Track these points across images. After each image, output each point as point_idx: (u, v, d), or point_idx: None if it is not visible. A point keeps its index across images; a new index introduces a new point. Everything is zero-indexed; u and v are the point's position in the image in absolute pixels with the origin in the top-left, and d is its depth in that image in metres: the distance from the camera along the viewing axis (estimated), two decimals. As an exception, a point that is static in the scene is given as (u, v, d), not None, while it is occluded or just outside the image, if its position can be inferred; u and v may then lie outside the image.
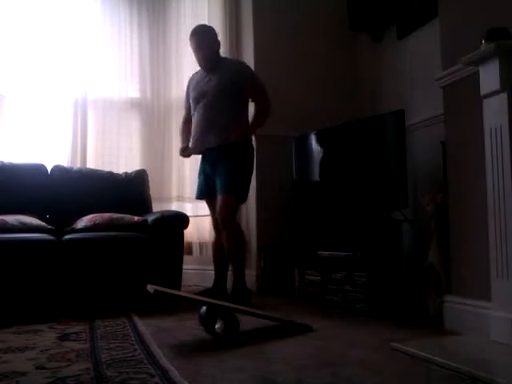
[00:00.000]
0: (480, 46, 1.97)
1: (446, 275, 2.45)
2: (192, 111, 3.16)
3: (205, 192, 3.11)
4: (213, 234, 3.23)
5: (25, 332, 2.33)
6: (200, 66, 3.14)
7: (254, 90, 3.09)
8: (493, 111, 1.96)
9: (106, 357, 1.85)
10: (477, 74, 2.04)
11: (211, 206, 3.11)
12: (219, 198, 2.93)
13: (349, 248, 2.96)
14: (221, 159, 2.99)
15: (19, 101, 3.88)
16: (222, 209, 2.91)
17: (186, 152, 3.20)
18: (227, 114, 3.01)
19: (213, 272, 3.19)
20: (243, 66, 3.19)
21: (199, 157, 3.21)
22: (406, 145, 2.88)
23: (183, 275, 3.25)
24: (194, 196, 3.25)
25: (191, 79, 3.25)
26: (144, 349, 1.98)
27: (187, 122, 3.25)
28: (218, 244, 3.10)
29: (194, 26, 3.23)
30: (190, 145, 3.14)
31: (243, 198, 3.03)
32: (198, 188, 3.18)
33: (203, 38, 3.09)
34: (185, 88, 3.32)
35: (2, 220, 2.96)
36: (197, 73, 3.24)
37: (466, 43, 2.15)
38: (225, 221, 2.91)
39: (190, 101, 3.17)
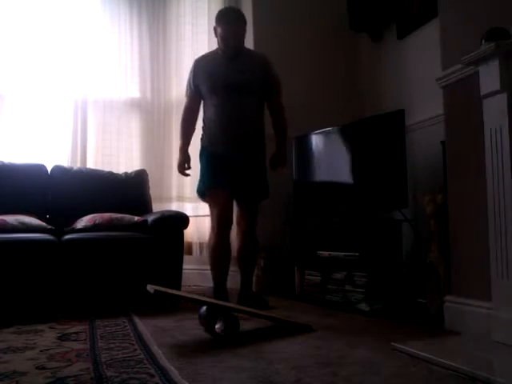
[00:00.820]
0: (480, 46, 1.97)
1: (446, 275, 2.45)
2: (208, 100, 2.90)
3: (221, 182, 2.82)
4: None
5: (25, 332, 2.33)
6: (225, 52, 2.87)
7: (279, 92, 3.00)
8: (493, 111, 1.96)
9: (106, 357, 1.85)
10: (477, 74, 2.04)
11: (222, 196, 2.81)
12: (250, 207, 2.91)
13: (349, 248, 2.96)
14: (248, 163, 2.87)
15: (19, 101, 3.88)
16: (253, 218, 2.92)
17: (187, 167, 2.98)
18: (259, 118, 2.93)
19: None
20: (270, 63, 2.97)
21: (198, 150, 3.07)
22: (406, 145, 2.88)
23: (183, 275, 3.24)
24: (204, 186, 2.89)
25: (200, 63, 2.95)
26: (144, 349, 1.98)
27: (191, 112, 2.99)
28: (225, 241, 2.84)
29: (226, 8, 3.19)
30: (210, 142, 2.91)
31: (268, 196, 3.01)
32: (212, 177, 2.84)
33: (241, 26, 2.85)
34: (184, 82, 3.08)
35: (2, 220, 2.97)
36: (205, 57, 3.01)
37: (466, 43, 2.14)
38: (254, 229, 2.93)
39: (205, 88, 2.89)
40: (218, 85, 2.83)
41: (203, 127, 2.97)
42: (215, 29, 2.87)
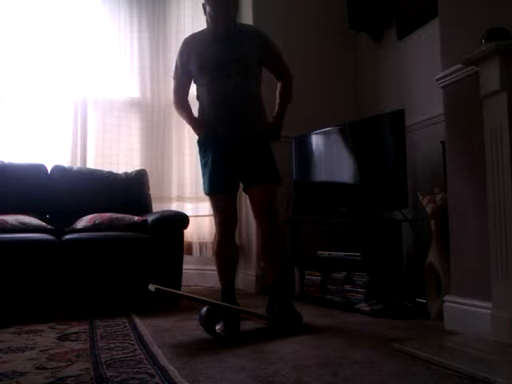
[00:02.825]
0: (480, 45, 1.97)
1: (446, 275, 2.45)
2: (200, 81, 2.64)
3: (222, 188, 2.61)
4: (213, 233, 3.16)
5: (25, 332, 2.33)
6: (215, 32, 2.61)
7: (280, 64, 2.71)
8: (493, 111, 1.96)
9: (106, 357, 1.85)
10: (477, 74, 2.05)
11: (224, 201, 2.62)
12: (262, 189, 2.59)
13: (349, 248, 2.96)
14: (252, 148, 2.59)
15: (19, 101, 3.87)
16: (270, 200, 2.60)
17: (204, 129, 2.64)
18: (257, 96, 2.65)
19: (213, 272, 3.14)
20: (265, 35, 2.70)
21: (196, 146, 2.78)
22: (406, 145, 2.88)
23: (183, 275, 3.25)
24: (207, 190, 2.64)
25: (190, 42, 2.69)
26: (144, 349, 1.98)
27: (181, 93, 2.72)
28: (230, 243, 2.67)
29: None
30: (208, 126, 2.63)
31: (279, 182, 2.70)
32: (216, 181, 2.60)
33: (227, 2, 2.57)
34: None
35: (2, 220, 2.97)
36: (194, 35, 2.75)
37: (466, 43, 2.15)
38: (273, 213, 2.63)
39: (195, 69, 2.63)
40: (207, 61, 2.58)
41: (199, 114, 2.70)
42: (204, 6, 2.62)
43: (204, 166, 2.66)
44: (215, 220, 2.68)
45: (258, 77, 2.69)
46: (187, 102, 2.75)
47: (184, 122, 2.90)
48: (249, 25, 2.96)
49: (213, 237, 3.15)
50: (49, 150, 3.88)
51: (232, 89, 2.54)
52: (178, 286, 3.12)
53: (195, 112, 2.75)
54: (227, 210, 2.63)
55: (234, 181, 2.64)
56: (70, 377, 1.61)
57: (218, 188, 2.61)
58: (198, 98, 2.69)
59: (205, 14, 2.64)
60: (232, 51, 2.57)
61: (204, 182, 2.66)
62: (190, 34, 2.84)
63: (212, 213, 2.75)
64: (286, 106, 2.74)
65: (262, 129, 2.66)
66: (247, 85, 2.60)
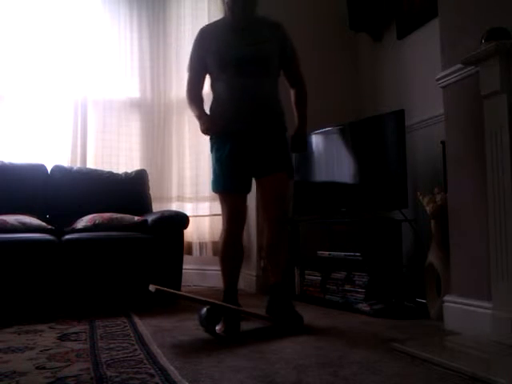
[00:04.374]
0: (480, 45, 1.97)
1: (446, 275, 2.45)
2: (216, 76, 2.54)
3: (234, 187, 2.50)
4: (213, 233, 3.14)
5: (25, 332, 2.33)
6: (233, 23, 2.53)
7: (298, 67, 2.64)
8: (493, 111, 1.96)
9: (106, 357, 1.85)
10: (477, 74, 2.05)
11: (235, 199, 2.51)
12: (274, 178, 2.49)
13: (349, 248, 2.96)
14: (269, 138, 2.51)
15: (19, 101, 3.87)
16: (282, 191, 2.50)
17: (217, 127, 2.48)
18: (275, 94, 2.57)
19: (213, 272, 3.15)
20: (286, 31, 2.60)
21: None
22: (406, 145, 2.88)
23: (183, 275, 3.25)
24: (221, 187, 2.51)
25: (206, 33, 2.57)
26: (144, 349, 1.98)
27: (196, 85, 2.59)
28: (236, 241, 2.54)
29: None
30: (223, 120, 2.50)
31: (293, 175, 2.63)
32: (229, 178, 2.48)
33: None
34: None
35: (2, 220, 2.97)
36: (211, 26, 2.65)
37: (466, 43, 2.15)
38: (284, 207, 2.52)
39: (212, 63, 2.52)
40: (227, 59, 2.48)
41: (213, 108, 2.58)
42: None
43: (217, 160, 2.52)
44: (223, 217, 2.55)
45: (277, 76, 2.62)
46: (200, 95, 2.61)
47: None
48: (269, 17, 2.73)
49: (213, 237, 3.14)
50: (49, 150, 3.88)
51: (253, 85, 2.47)
52: (178, 285, 3.12)
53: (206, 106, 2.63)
54: (238, 208, 2.52)
55: (247, 178, 2.54)
56: (70, 377, 1.61)
57: (231, 185, 2.50)
58: (214, 91, 2.59)
59: (223, 3, 2.57)
60: (253, 47, 2.48)
61: (214, 179, 2.55)
62: (206, 24, 2.74)
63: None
64: (306, 116, 2.67)
65: (279, 123, 2.58)
66: (267, 82, 2.53)
